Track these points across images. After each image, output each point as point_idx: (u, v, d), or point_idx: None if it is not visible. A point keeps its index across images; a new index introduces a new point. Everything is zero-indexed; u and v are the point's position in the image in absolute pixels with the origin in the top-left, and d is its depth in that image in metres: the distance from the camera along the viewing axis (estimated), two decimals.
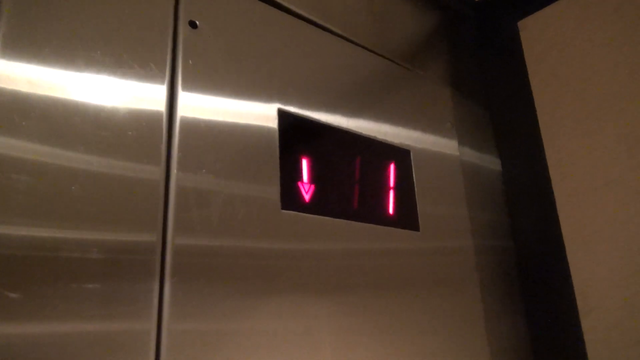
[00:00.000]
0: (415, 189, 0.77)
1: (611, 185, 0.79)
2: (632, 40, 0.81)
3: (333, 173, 0.67)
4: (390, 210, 0.73)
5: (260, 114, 0.61)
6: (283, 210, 0.59)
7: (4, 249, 0.40)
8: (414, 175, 0.78)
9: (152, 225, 0.48)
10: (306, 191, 0.63)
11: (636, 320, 0.75)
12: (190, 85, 0.55)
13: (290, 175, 0.61)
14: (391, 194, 0.74)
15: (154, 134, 0.50)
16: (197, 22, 0.58)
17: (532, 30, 0.97)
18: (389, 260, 0.70)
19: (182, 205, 0.50)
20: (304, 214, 0.61)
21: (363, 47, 0.79)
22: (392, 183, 0.75)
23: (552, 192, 0.86)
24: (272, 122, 0.61)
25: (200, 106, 0.55)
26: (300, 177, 0.63)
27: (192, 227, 0.50)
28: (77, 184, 0.44)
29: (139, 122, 0.50)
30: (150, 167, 0.49)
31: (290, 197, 0.60)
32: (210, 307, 0.50)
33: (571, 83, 0.88)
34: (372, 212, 0.70)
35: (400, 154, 0.77)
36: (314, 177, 0.64)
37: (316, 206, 0.63)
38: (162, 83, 0.52)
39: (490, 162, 0.98)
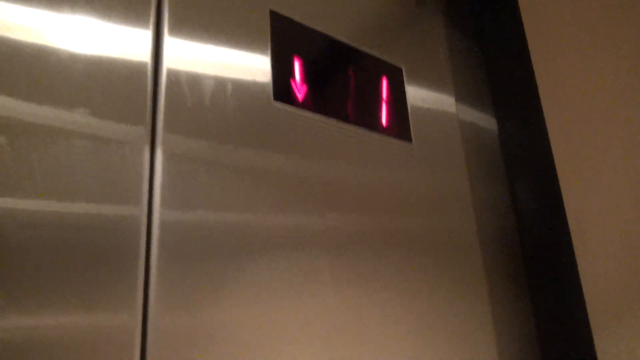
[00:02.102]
0: (408, 105, 0.78)
1: (612, 137, 0.77)
2: None
3: (326, 78, 0.68)
4: (384, 122, 0.74)
5: (252, 14, 0.61)
6: (275, 102, 0.60)
7: None
8: (406, 92, 0.79)
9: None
10: (299, 90, 0.63)
11: None
12: None
13: (282, 70, 0.62)
14: (384, 106, 0.75)
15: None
16: None
17: None
18: (382, 172, 0.70)
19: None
20: (297, 108, 0.62)
21: None
22: (384, 96, 0.75)
23: (551, 148, 0.82)
24: (265, 23, 0.62)
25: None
26: (292, 75, 0.63)
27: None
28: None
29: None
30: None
31: (282, 91, 0.61)
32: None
33: (568, 32, 0.86)
34: (365, 118, 0.71)
35: (392, 70, 0.78)
36: (307, 80, 0.65)
37: (309, 104, 0.64)
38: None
39: (485, 101, 0.98)
